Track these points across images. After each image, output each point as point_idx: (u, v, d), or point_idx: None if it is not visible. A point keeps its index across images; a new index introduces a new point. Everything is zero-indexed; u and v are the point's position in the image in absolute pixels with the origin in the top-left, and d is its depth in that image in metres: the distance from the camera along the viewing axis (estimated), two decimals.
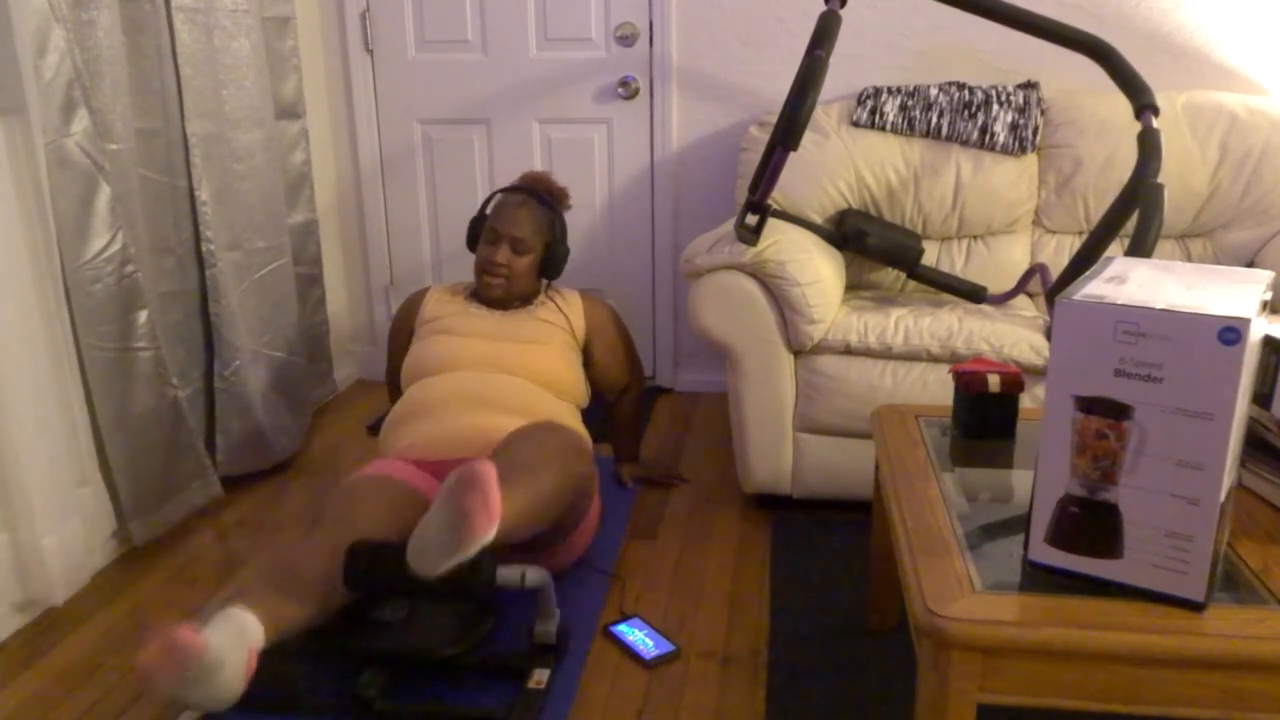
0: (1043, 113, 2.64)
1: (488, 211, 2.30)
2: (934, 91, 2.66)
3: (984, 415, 1.64)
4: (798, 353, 2.24)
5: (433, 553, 1.40)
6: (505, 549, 1.67)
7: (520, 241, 2.21)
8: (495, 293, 2.24)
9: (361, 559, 1.59)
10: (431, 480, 1.96)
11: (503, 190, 2.31)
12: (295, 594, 1.57)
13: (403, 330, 2.36)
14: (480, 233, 2.28)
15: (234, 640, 1.42)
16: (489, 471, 1.41)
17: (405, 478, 1.90)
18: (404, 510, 1.80)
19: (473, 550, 1.40)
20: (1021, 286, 2.43)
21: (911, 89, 2.68)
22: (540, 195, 2.28)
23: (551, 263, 2.27)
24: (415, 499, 1.86)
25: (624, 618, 1.94)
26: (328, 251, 3.17)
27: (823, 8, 2.30)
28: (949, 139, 2.62)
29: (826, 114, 2.69)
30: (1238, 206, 2.53)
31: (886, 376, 2.19)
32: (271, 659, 1.78)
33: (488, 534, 1.40)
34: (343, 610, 1.75)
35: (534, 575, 1.68)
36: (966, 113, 2.61)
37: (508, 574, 1.63)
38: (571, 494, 1.82)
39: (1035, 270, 2.44)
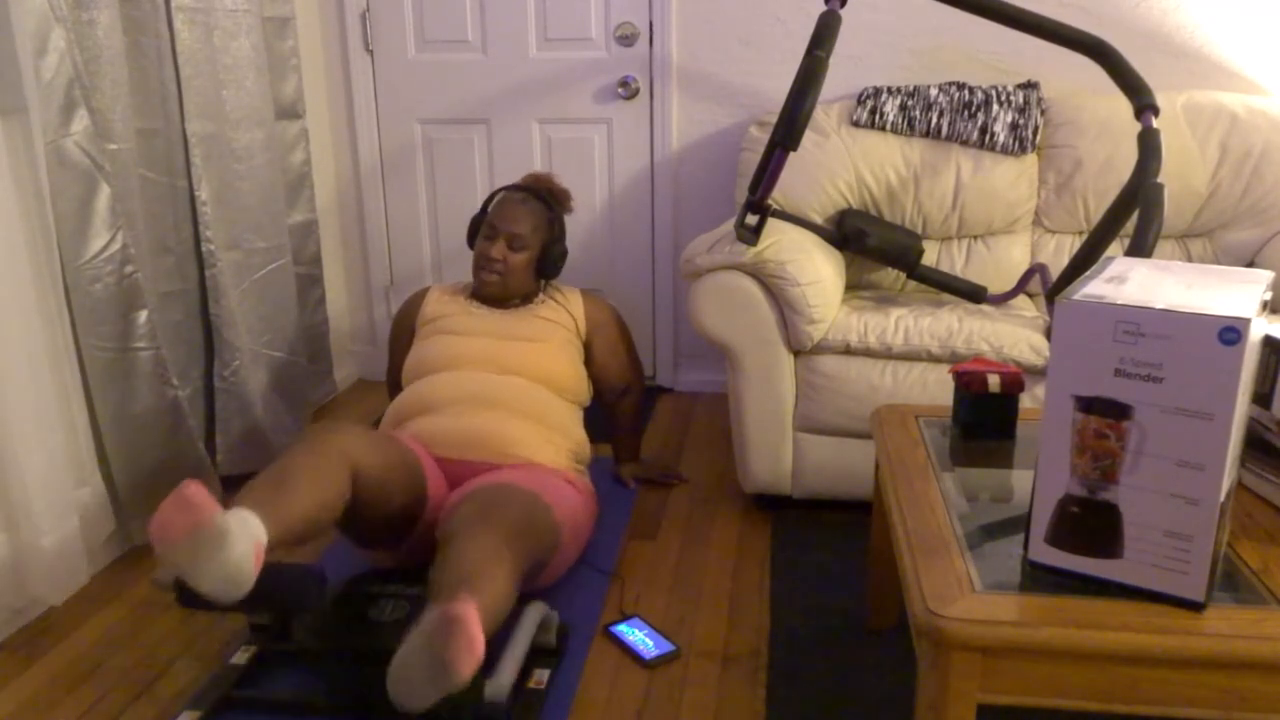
0: (1043, 113, 2.64)
1: (489, 209, 2.30)
2: (934, 91, 2.66)
3: (984, 415, 1.64)
4: (798, 353, 2.24)
5: (416, 690, 1.36)
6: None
7: (517, 238, 2.21)
8: (491, 289, 2.24)
9: (273, 577, 1.49)
10: (433, 468, 1.97)
11: (505, 188, 2.31)
12: (289, 496, 1.58)
13: (403, 330, 2.36)
14: (479, 228, 2.29)
15: (240, 527, 1.41)
16: (469, 614, 1.36)
17: (404, 441, 1.93)
18: (391, 452, 1.83)
19: (458, 688, 1.39)
20: (1021, 286, 2.43)
21: (911, 89, 2.68)
22: (541, 195, 2.29)
23: (548, 262, 2.27)
24: (410, 458, 1.89)
25: (624, 618, 1.94)
26: (328, 251, 3.17)
27: (823, 8, 2.30)
28: (949, 139, 2.61)
29: (826, 114, 2.69)
30: (1238, 206, 2.53)
31: (886, 376, 2.19)
32: (272, 657, 1.79)
33: (472, 672, 1.38)
34: (343, 610, 1.76)
35: (506, 678, 1.62)
36: (966, 113, 2.61)
37: (495, 687, 1.60)
38: (537, 561, 1.75)
39: (1035, 270, 2.44)
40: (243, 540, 1.40)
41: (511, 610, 1.60)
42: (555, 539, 1.84)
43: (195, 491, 1.39)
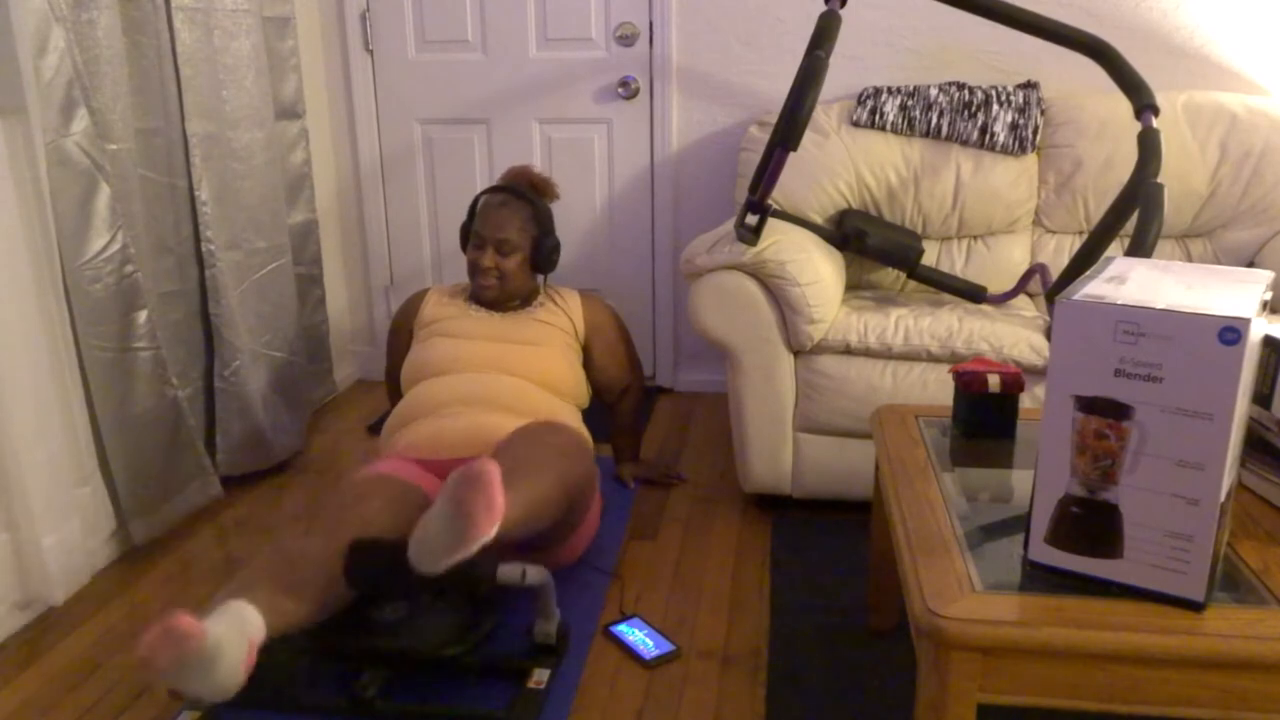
0: (1043, 113, 2.64)
1: (475, 215, 2.30)
2: (934, 91, 2.66)
3: (984, 415, 1.63)
4: (798, 353, 2.24)
5: (435, 549, 1.40)
6: (506, 547, 1.67)
7: (504, 243, 2.21)
8: (490, 294, 2.24)
9: (363, 555, 1.59)
10: (433, 480, 1.97)
11: (485, 191, 2.30)
12: (296, 589, 1.57)
13: (402, 331, 2.36)
14: (469, 235, 2.29)
15: (234, 631, 1.41)
16: (493, 470, 1.41)
17: (407, 476, 1.90)
18: (405, 508, 1.80)
19: (474, 548, 1.40)
20: (1021, 286, 2.43)
21: (911, 89, 2.68)
22: (522, 191, 2.27)
23: (541, 257, 2.26)
24: (417, 497, 1.86)
25: (624, 618, 1.94)
26: (328, 251, 3.17)
27: (823, 8, 2.30)
28: (949, 139, 2.62)
29: (826, 114, 2.69)
30: (1238, 206, 2.53)
31: (886, 376, 2.19)
32: (272, 656, 1.79)
33: (490, 532, 1.40)
34: (343, 610, 1.76)
35: (534, 574, 1.69)
36: (966, 113, 2.61)
37: (508, 571, 1.63)
38: (573, 493, 1.82)
39: (1035, 270, 2.44)
40: (233, 651, 1.39)
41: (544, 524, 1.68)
42: (592, 481, 1.93)
43: (183, 624, 1.35)
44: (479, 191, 2.32)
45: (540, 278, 2.34)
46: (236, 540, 2.30)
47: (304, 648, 1.78)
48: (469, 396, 2.08)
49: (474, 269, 2.24)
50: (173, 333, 2.36)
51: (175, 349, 2.36)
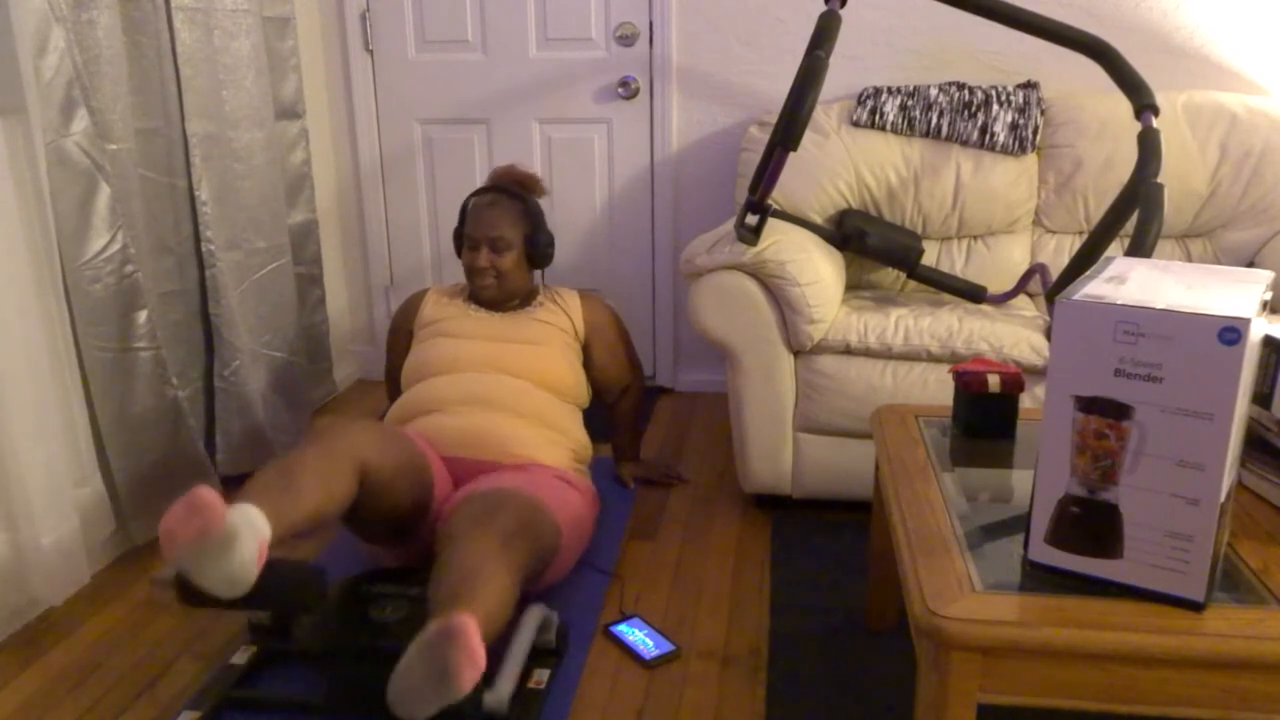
0: (1043, 113, 2.64)
1: (465, 219, 2.29)
2: (934, 91, 2.66)
3: (984, 415, 1.63)
4: (798, 353, 2.24)
5: (416, 701, 1.37)
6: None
7: (497, 240, 2.21)
8: (490, 294, 2.24)
9: (276, 574, 1.50)
10: (440, 465, 1.97)
11: (473, 194, 2.30)
12: (295, 492, 1.60)
13: (401, 331, 2.36)
14: (463, 240, 2.29)
15: (246, 525, 1.43)
16: (469, 626, 1.37)
17: (413, 438, 1.94)
18: (401, 453, 1.83)
19: (458, 699, 1.39)
20: (1021, 286, 2.43)
21: (911, 89, 2.68)
22: (509, 189, 2.27)
23: (536, 251, 2.25)
24: (416, 454, 1.89)
25: (624, 618, 1.94)
26: (328, 251, 3.17)
27: (823, 8, 2.30)
28: (949, 139, 2.62)
29: (826, 114, 2.69)
30: (1238, 206, 2.53)
31: (886, 376, 2.19)
32: (272, 656, 1.79)
33: (473, 684, 1.38)
34: (343, 610, 1.76)
35: (505, 688, 1.62)
36: (966, 113, 2.61)
37: (494, 699, 1.60)
38: (536, 564, 1.75)
39: (1035, 270, 2.44)
40: (249, 541, 1.42)
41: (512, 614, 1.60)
42: (555, 542, 1.84)
43: (207, 496, 1.40)
44: (467, 196, 2.31)
45: (538, 275, 2.33)
46: None
47: (305, 648, 1.78)
48: (469, 396, 2.08)
49: (471, 271, 2.24)
50: (173, 333, 2.36)
51: (175, 349, 2.36)
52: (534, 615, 1.77)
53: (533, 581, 1.80)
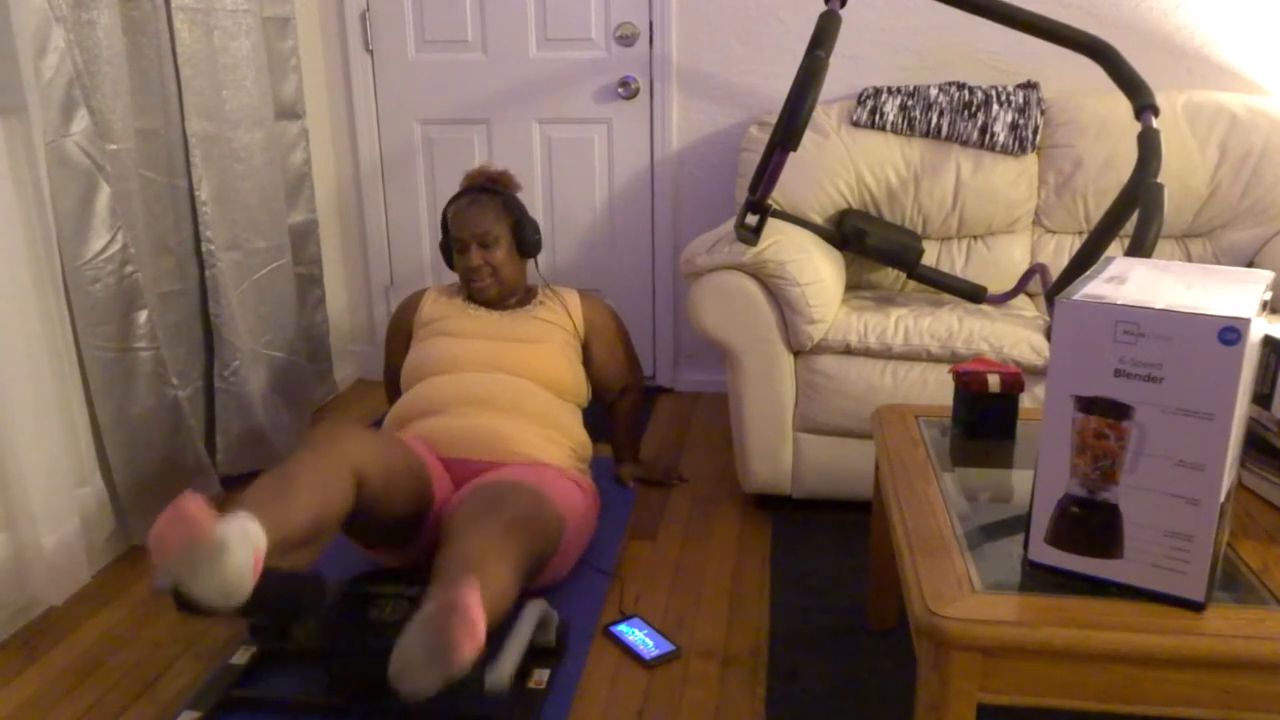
0: (1043, 113, 2.64)
1: (448, 227, 2.29)
2: (934, 91, 2.66)
3: (984, 415, 1.63)
4: (798, 353, 2.24)
5: (418, 676, 1.37)
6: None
7: (485, 235, 2.21)
8: (489, 293, 2.24)
9: (273, 583, 1.50)
10: (439, 470, 1.97)
11: (449, 202, 2.29)
12: (291, 502, 1.58)
13: (400, 331, 2.36)
14: (451, 250, 2.29)
15: (240, 536, 1.41)
16: (471, 599, 1.38)
17: (407, 441, 1.93)
18: (396, 456, 1.82)
19: (459, 673, 1.39)
20: (1021, 286, 2.43)
21: (911, 89, 2.68)
22: (484, 187, 2.28)
23: (524, 239, 2.26)
24: (415, 461, 1.88)
25: (624, 618, 1.94)
26: (328, 251, 3.17)
27: (823, 8, 2.30)
28: (949, 139, 2.62)
29: (826, 114, 2.69)
30: (1238, 206, 2.53)
31: (886, 376, 2.19)
32: (272, 656, 1.79)
33: (473, 657, 1.38)
34: (343, 610, 1.76)
35: (506, 668, 1.62)
36: (966, 113, 2.61)
37: (495, 678, 1.61)
38: (539, 556, 1.76)
39: (1035, 270, 2.44)
40: (241, 551, 1.40)
41: (512, 607, 1.61)
42: (558, 534, 1.85)
43: (192, 504, 1.38)
44: (444, 205, 2.31)
45: (538, 275, 2.33)
46: None
47: (305, 648, 1.78)
48: (469, 396, 2.08)
49: (466, 274, 2.24)
50: (173, 333, 2.36)
51: (175, 349, 2.36)
52: (535, 607, 1.77)
53: (534, 577, 1.80)
